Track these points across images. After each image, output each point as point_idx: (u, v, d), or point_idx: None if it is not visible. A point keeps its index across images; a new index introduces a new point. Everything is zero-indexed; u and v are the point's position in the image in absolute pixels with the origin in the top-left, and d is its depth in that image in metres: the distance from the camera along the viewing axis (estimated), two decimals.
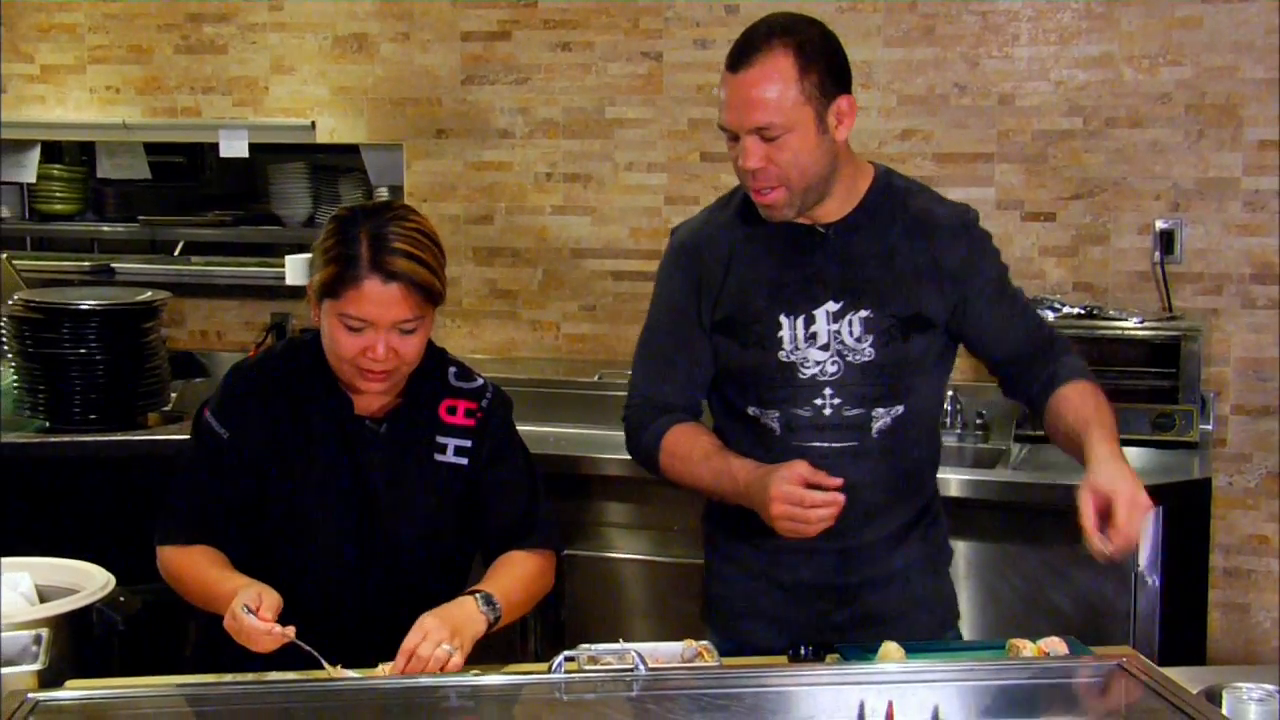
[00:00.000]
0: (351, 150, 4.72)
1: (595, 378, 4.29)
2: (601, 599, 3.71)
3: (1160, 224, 3.97)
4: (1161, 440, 3.65)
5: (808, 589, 2.38)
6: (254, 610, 2.05)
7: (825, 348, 2.30)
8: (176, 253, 5.22)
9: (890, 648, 2.14)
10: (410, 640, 2.07)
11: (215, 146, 4.75)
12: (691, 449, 2.35)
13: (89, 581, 2.40)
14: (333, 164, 4.95)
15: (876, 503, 2.35)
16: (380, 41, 4.58)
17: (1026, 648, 2.12)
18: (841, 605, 2.38)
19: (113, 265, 5.00)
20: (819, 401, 2.31)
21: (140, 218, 5.26)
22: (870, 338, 2.29)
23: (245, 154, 4.70)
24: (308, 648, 2.07)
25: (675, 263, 2.43)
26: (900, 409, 2.33)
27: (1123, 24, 3.95)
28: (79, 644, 2.26)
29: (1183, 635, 3.48)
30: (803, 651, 2.19)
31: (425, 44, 4.54)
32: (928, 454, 2.44)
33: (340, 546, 2.29)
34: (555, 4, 4.41)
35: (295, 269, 4.63)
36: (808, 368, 2.31)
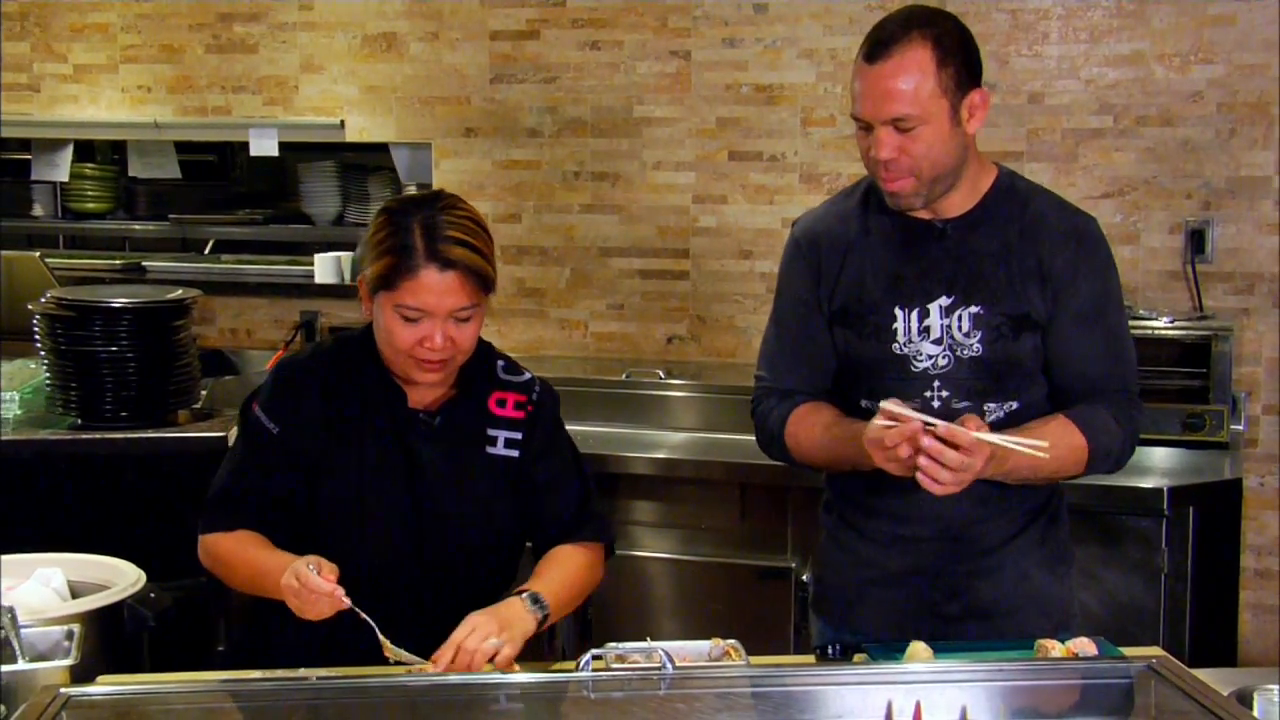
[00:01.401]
0: (380, 149, 4.74)
1: (623, 376, 4.28)
2: (629, 597, 3.72)
3: (1191, 223, 3.95)
4: (1192, 440, 3.62)
5: (919, 579, 2.37)
6: (316, 572, 2.07)
7: (938, 341, 2.31)
8: (207, 251, 5.25)
9: (918, 647, 2.13)
10: (458, 633, 2.08)
11: (245, 145, 4.78)
12: (815, 420, 2.37)
13: (120, 578, 2.41)
14: (362, 162, 4.97)
15: (990, 495, 2.33)
16: (409, 41, 4.60)
17: (1055, 648, 2.11)
18: (952, 597, 2.36)
19: (144, 263, 5.03)
20: (928, 394, 2.31)
21: (171, 216, 5.29)
22: (979, 333, 2.29)
23: (275, 153, 4.72)
24: (365, 616, 2.08)
25: (796, 253, 2.45)
26: (1015, 405, 2.32)
27: (1154, 22, 3.93)
28: (110, 640, 2.27)
29: (1214, 636, 3.46)
30: (830, 651, 2.18)
31: (454, 43, 4.55)
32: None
33: (394, 538, 2.29)
34: (584, 3, 4.42)
35: (325, 267, 4.66)
36: (920, 361, 2.32)
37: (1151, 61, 3.92)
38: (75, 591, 2.42)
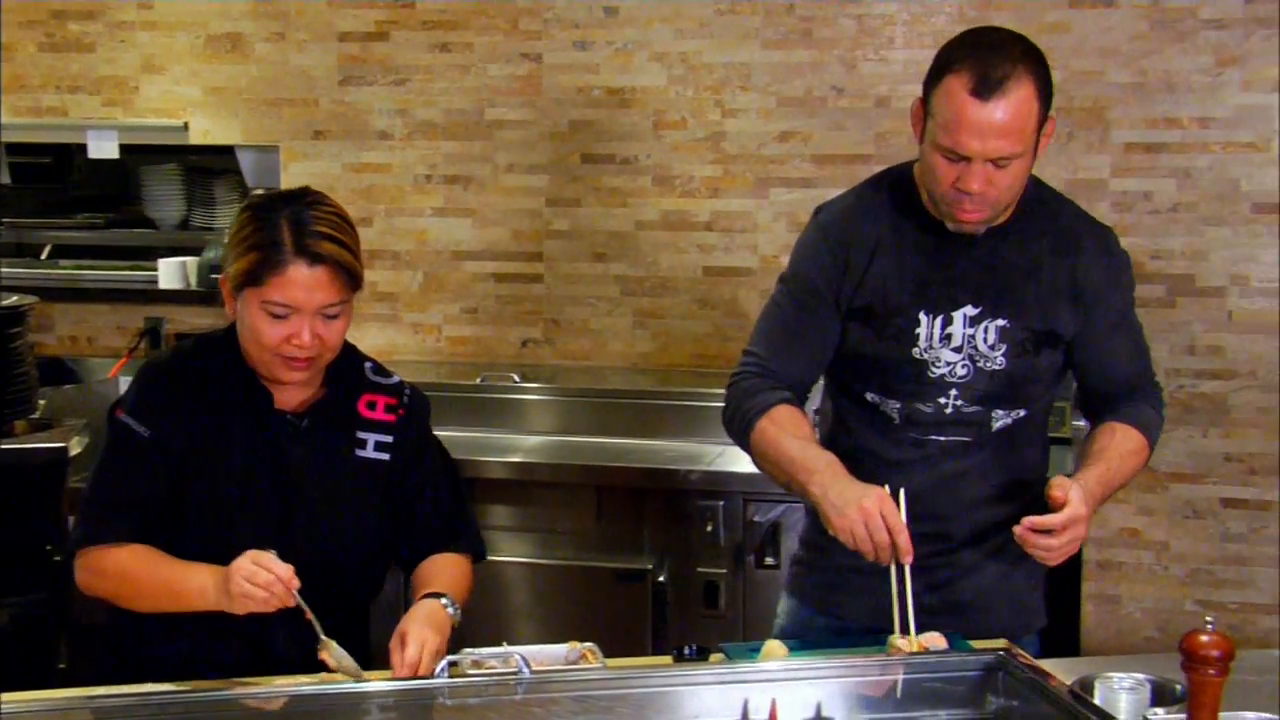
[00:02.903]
0: (226, 152, 4.64)
1: (478, 380, 4.27)
2: (486, 603, 3.69)
3: None
4: None
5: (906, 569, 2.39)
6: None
7: (958, 350, 2.33)
8: (44, 256, 5.09)
9: (774, 645, 2.16)
10: (411, 653, 2.07)
11: (84, 147, 4.64)
12: (787, 434, 2.33)
13: None
14: (207, 165, 4.86)
15: (984, 495, 2.39)
16: (255, 41, 4.52)
17: (906, 643, 2.15)
18: (934, 589, 2.39)
19: None
20: (943, 400, 2.34)
21: (4, 220, 5.11)
22: (1004, 346, 2.31)
23: (115, 155, 4.60)
24: (311, 616, 2.07)
25: (821, 241, 2.41)
26: (1022, 412, 2.38)
27: None
28: None
29: (1059, 628, 3.55)
30: (687, 651, 2.20)
31: (301, 44, 4.48)
32: (1040, 454, 2.48)
33: (263, 541, 2.25)
34: (434, 4, 4.38)
35: (169, 272, 4.56)
36: (938, 367, 2.33)
37: None
38: None
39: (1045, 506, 2.27)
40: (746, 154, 4.22)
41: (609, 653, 2.13)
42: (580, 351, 4.40)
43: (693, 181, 4.26)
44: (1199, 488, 4.00)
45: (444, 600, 2.20)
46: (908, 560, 2.15)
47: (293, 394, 2.29)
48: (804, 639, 2.41)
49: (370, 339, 4.41)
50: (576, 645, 2.14)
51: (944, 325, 2.32)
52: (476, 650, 2.05)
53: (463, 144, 4.42)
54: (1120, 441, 2.36)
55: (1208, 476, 3.99)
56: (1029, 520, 2.17)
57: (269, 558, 2.07)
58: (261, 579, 2.05)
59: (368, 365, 2.40)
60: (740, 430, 2.41)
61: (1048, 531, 2.16)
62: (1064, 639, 3.58)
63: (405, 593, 2.34)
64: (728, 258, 4.27)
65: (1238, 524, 3.97)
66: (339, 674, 2.07)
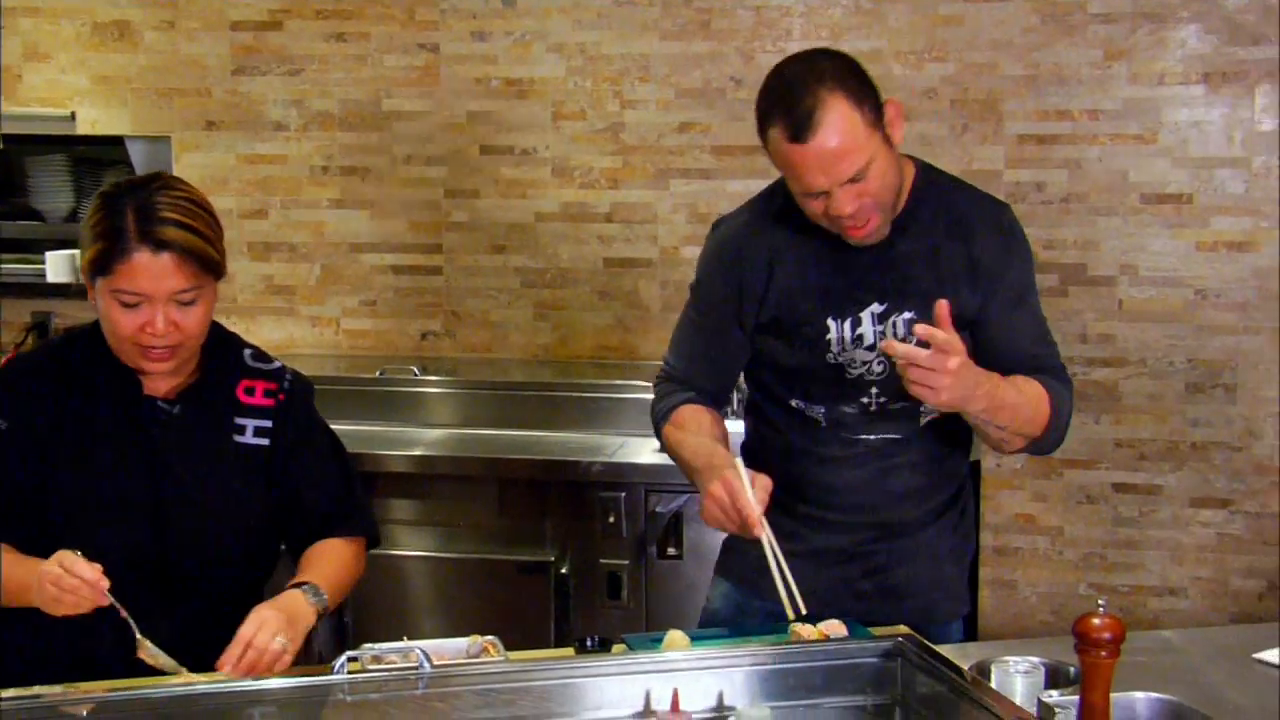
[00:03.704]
0: (116, 142, 4.54)
1: (377, 373, 4.23)
2: (387, 598, 3.67)
3: None
4: None
5: (838, 555, 2.43)
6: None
7: (871, 348, 2.33)
8: None
9: (676, 636, 2.16)
10: (246, 629, 2.05)
11: None
12: (687, 431, 2.40)
13: None
14: (96, 156, 4.75)
15: (916, 485, 2.41)
16: (144, 30, 4.43)
17: (808, 631, 2.17)
18: (868, 575, 2.43)
19: None
20: (865, 400, 2.35)
21: None
22: (914, 340, 2.24)
23: None
24: (124, 613, 2.04)
25: (718, 261, 2.43)
26: None
27: (890, 20, 4.07)
28: None
29: None
30: (589, 643, 2.20)
31: (192, 33, 4.41)
32: (964, 440, 2.48)
33: (135, 533, 2.21)
34: None
35: (57, 265, 4.45)
36: (855, 368, 2.34)
37: (889, 59, 4.07)
38: None
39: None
40: (646, 145, 4.23)
41: (511, 645, 2.12)
42: (480, 344, 4.39)
43: (592, 173, 4.26)
44: (1091, 473, 4.08)
45: (305, 588, 2.18)
46: (756, 532, 2.17)
47: (163, 380, 2.27)
48: (737, 624, 2.45)
49: (266, 333, 4.36)
50: (478, 639, 2.13)
51: (853, 327, 2.34)
52: (377, 645, 2.03)
53: (359, 135, 4.38)
54: (1021, 380, 2.30)
55: (1100, 462, 4.08)
56: (916, 339, 2.12)
57: (74, 559, 2.04)
58: (67, 583, 2.03)
59: (247, 352, 2.38)
60: (657, 435, 2.51)
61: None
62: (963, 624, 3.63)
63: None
64: (628, 249, 4.27)
65: (1128, 508, 4.07)
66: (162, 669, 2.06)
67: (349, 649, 2.02)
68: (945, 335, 2.11)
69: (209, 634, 2.11)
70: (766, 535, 2.18)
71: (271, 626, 2.06)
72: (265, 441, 2.31)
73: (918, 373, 2.11)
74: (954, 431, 2.44)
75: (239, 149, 4.42)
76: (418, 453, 3.83)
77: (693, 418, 2.43)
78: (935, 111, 4.06)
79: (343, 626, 3.67)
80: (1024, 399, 2.29)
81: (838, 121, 2.15)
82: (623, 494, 3.62)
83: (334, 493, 2.38)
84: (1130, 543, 4.07)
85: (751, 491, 2.18)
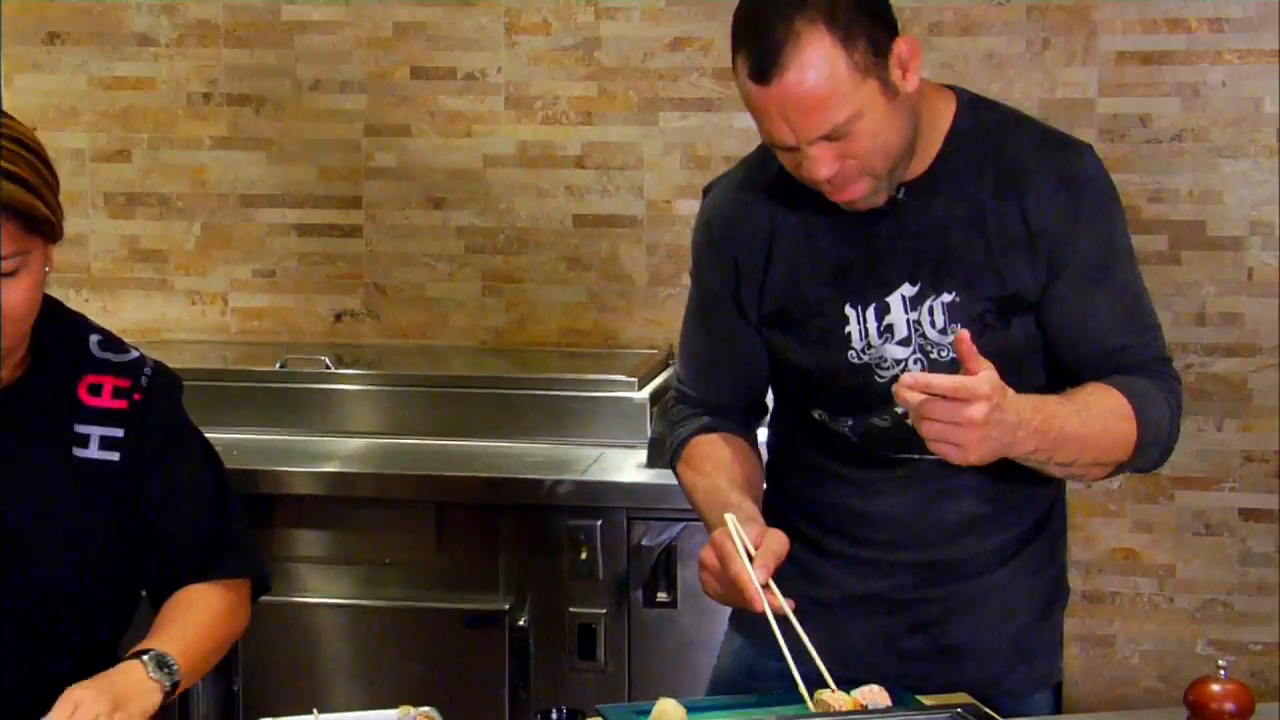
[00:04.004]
0: None
1: (277, 365, 4.23)
2: (290, 657, 3.68)
3: None
4: None
5: (877, 604, 2.43)
6: None
7: (905, 343, 2.32)
8: None
9: (667, 707, 2.18)
10: (55, 716, 2.03)
11: None
12: (708, 463, 2.46)
13: None
14: None
15: (977, 514, 2.40)
16: None
17: (839, 700, 2.18)
18: (916, 630, 2.43)
19: None
20: (900, 409, 2.20)
21: None
22: (959, 328, 2.24)
23: None
24: None
25: (707, 238, 2.46)
26: None
27: None
28: None
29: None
30: (555, 715, 2.21)
31: None
32: None
33: None
34: None
35: None
36: (885, 369, 2.33)
37: None
38: None
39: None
40: (629, 68, 4.24)
41: (456, 717, 2.14)
42: (413, 327, 4.40)
43: (558, 104, 4.27)
44: (1212, 495, 4.10)
45: (146, 657, 2.17)
46: (757, 607, 2.18)
47: None
48: (750, 686, 2.47)
49: (130, 312, 4.36)
50: (410, 709, 2.14)
51: (879, 316, 2.33)
52: None
53: (252, 53, 4.38)
54: (1091, 393, 2.28)
55: (1223, 481, 4.10)
56: (908, 378, 2.09)
57: None
58: None
59: (94, 338, 2.36)
60: (674, 474, 2.57)
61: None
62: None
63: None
64: (605, 203, 4.29)
65: (1260, 542, 4.08)
66: None
67: None
68: (954, 382, 2.06)
69: (41, 709, 2.10)
70: (771, 611, 2.18)
71: (88, 710, 2.04)
72: (115, 456, 2.31)
73: (934, 428, 2.07)
74: None
75: (91, 69, 4.42)
76: (331, 469, 3.83)
77: (707, 453, 2.46)
78: (1007, 23, 4.07)
79: (231, 696, 3.68)
80: (1094, 422, 2.24)
81: (808, 64, 2.12)
82: (599, 522, 3.63)
83: (206, 523, 2.37)
84: (1262, 586, 4.09)
85: (746, 556, 2.20)
